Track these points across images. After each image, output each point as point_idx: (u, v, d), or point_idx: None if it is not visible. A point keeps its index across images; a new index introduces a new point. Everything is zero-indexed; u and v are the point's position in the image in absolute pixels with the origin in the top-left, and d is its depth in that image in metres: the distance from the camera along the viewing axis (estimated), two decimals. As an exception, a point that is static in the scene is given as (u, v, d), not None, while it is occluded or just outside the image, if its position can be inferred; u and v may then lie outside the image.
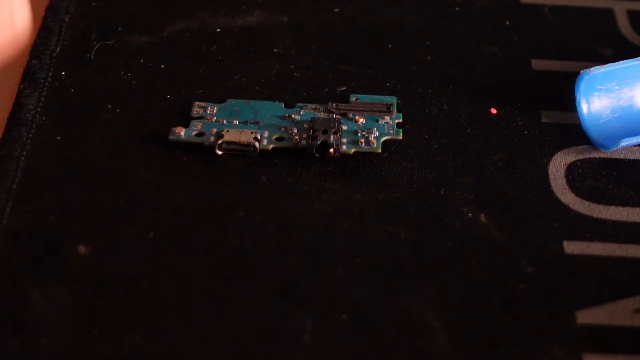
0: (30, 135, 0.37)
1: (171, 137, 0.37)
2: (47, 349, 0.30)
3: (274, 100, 0.39)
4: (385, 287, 0.32)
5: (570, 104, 0.39)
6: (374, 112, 0.38)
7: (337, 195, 0.35)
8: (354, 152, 0.36)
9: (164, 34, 0.42)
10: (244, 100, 0.39)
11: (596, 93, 0.38)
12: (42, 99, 0.38)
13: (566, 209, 0.35)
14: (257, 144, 0.36)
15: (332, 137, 0.36)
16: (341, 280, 0.32)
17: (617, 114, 0.38)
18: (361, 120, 0.37)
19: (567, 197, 0.36)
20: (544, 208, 0.35)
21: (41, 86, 0.39)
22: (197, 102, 0.38)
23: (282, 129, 0.37)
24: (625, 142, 0.36)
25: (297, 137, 0.37)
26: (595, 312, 0.32)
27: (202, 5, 0.43)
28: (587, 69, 0.37)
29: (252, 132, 0.37)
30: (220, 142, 0.36)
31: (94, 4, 0.43)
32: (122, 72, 0.40)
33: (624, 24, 0.43)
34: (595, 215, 0.35)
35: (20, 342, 0.30)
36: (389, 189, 0.36)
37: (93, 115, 0.38)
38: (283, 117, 0.38)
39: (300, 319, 0.31)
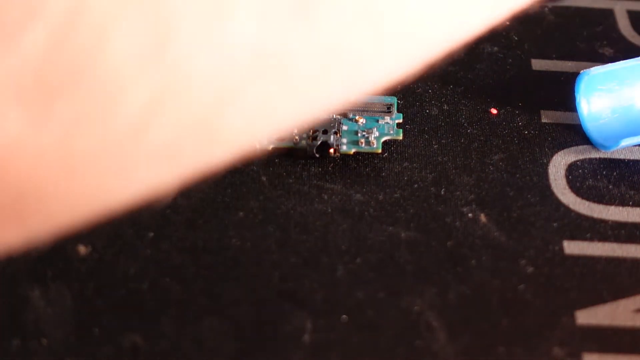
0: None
1: (171, 137, 0.37)
2: (47, 349, 0.30)
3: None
4: (385, 287, 0.32)
5: (570, 104, 0.39)
6: (374, 112, 0.38)
7: (337, 195, 0.35)
8: (354, 152, 0.36)
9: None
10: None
11: (596, 93, 0.38)
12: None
13: (566, 209, 0.35)
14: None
15: (332, 137, 0.36)
16: (341, 280, 0.32)
17: (617, 114, 0.38)
18: (361, 120, 0.37)
19: (567, 197, 0.36)
20: (544, 208, 0.35)
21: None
22: (197, 102, 0.38)
23: (282, 129, 0.37)
24: (625, 142, 0.36)
25: (297, 137, 0.37)
26: (595, 312, 0.32)
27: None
28: (587, 69, 0.37)
29: (252, 132, 0.37)
30: (220, 142, 0.36)
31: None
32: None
33: (624, 24, 0.43)
34: (595, 215, 0.35)
35: (20, 342, 0.30)
36: (389, 189, 0.36)
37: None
38: (283, 117, 0.38)
39: (300, 319, 0.31)
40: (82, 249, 0.33)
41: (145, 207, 0.25)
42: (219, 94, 0.21)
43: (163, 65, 0.20)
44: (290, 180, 0.36)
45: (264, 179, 0.36)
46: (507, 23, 0.43)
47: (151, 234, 0.33)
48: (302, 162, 0.36)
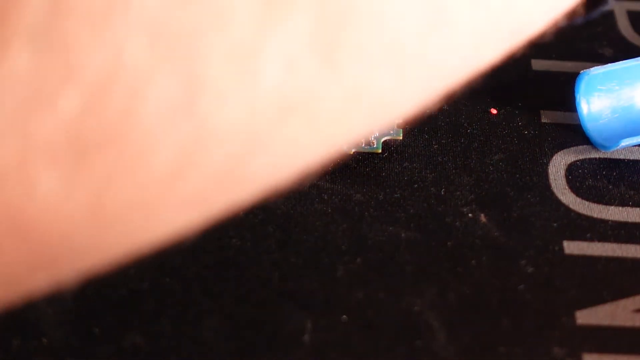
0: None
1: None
2: (47, 349, 0.30)
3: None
4: (385, 287, 0.32)
5: (570, 104, 0.39)
6: (374, 112, 0.38)
7: (337, 195, 0.35)
8: (354, 152, 0.36)
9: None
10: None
11: (596, 93, 0.38)
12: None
13: (566, 209, 0.35)
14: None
15: (332, 137, 0.36)
16: (341, 280, 0.32)
17: (617, 114, 0.38)
18: (361, 120, 0.37)
19: (567, 197, 0.36)
20: (544, 208, 0.35)
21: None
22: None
23: (282, 129, 0.37)
24: (625, 142, 0.36)
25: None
26: (595, 312, 0.32)
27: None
28: (587, 69, 0.37)
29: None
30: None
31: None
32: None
33: (624, 24, 0.43)
34: (595, 215, 0.35)
35: (20, 342, 0.30)
36: (389, 189, 0.36)
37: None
38: (283, 117, 0.38)
39: (300, 319, 0.31)
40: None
41: (170, 247, 0.25)
42: (246, 142, 0.21)
43: (192, 119, 0.20)
44: (290, 180, 0.36)
45: (264, 179, 0.36)
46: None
47: (151, 234, 0.33)
48: (302, 162, 0.36)
